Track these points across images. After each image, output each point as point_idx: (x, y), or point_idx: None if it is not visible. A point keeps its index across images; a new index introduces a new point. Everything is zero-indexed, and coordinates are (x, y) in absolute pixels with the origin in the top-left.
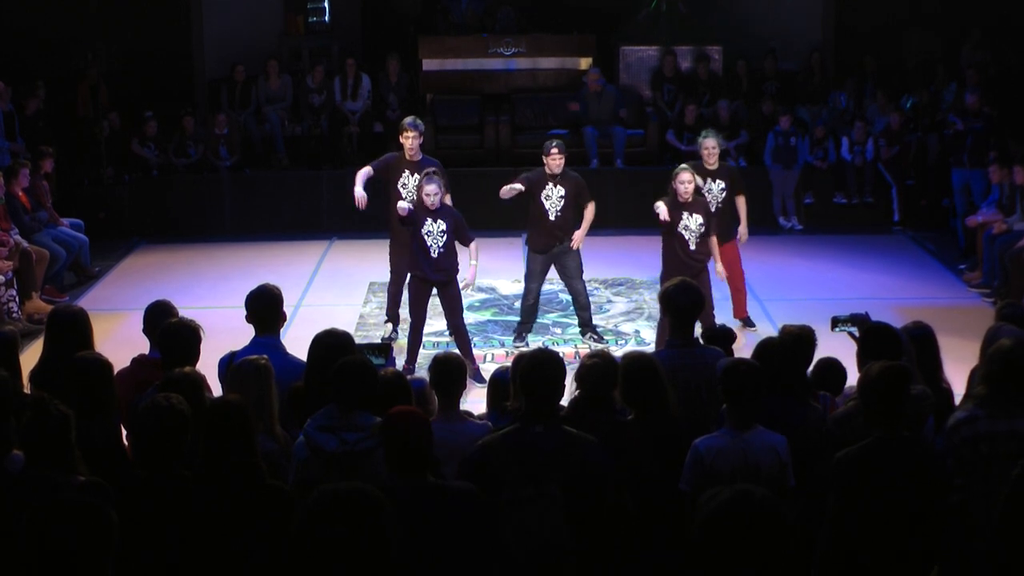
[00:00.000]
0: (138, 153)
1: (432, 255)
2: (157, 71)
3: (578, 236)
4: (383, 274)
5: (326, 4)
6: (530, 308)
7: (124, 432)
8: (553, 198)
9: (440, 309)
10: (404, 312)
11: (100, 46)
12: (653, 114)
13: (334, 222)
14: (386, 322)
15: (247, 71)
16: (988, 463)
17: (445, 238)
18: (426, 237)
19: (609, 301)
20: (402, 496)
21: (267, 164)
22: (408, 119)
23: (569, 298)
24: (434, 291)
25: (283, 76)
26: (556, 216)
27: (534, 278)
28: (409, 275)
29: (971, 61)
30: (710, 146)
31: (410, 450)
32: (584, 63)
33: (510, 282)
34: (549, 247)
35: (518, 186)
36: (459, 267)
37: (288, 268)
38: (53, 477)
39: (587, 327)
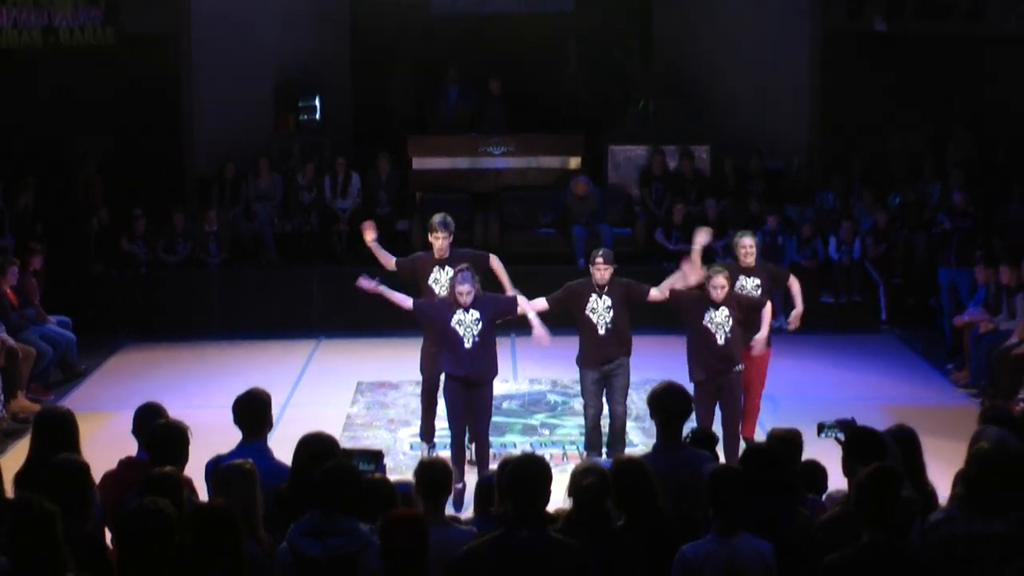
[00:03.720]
0: (127, 250)
1: (466, 345)
2: (148, 168)
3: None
4: (371, 374)
5: (317, 103)
6: (590, 432)
7: (109, 535)
8: (599, 310)
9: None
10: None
11: (91, 142)
12: (641, 212)
13: (323, 320)
14: (422, 441)
15: (238, 168)
16: (965, 564)
17: (480, 327)
18: (457, 327)
19: None
20: None
21: (256, 261)
22: (437, 217)
23: (557, 399)
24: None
25: (273, 174)
26: (606, 330)
27: (589, 398)
28: (444, 378)
29: (956, 160)
30: (747, 244)
31: (407, 553)
32: (573, 162)
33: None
34: (601, 364)
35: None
36: (498, 369)
37: (276, 367)
38: None
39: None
